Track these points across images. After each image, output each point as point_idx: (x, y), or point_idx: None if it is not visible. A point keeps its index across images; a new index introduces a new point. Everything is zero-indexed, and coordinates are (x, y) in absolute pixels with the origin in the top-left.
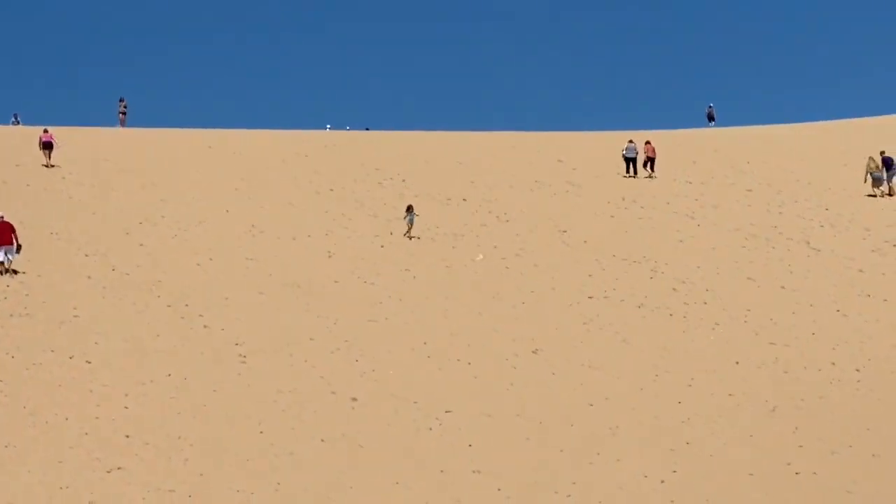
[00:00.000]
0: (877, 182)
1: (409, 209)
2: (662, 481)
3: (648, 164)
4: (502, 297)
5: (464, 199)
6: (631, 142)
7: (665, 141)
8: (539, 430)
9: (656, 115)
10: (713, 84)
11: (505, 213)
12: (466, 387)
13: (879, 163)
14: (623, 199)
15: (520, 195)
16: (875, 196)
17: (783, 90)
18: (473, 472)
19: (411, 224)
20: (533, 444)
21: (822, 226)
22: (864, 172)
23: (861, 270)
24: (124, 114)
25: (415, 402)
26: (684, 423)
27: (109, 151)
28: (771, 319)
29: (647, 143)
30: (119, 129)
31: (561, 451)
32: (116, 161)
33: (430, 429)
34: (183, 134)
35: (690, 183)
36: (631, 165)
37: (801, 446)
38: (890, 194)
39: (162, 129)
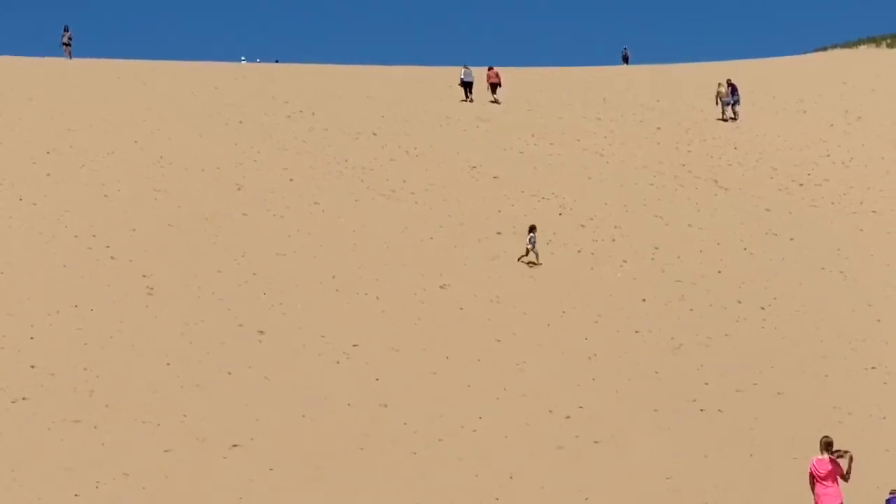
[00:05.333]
0: (725, 106)
1: (532, 230)
2: (568, 417)
3: (492, 89)
4: (410, 232)
5: (373, 134)
6: (466, 67)
7: (576, 78)
8: (446, 365)
9: (570, 53)
10: (627, 24)
11: (415, 148)
12: (374, 321)
13: (726, 89)
14: (532, 136)
15: (429, 130)
16: (725, 120)
17: (694, 30)
18: (380, 406)
19: (533, 244)
20: (440, 379)
21: (729, 164)
22: (715, 98)
23: (768, 209)
24: (68, 44)
25: (322, 336)
26: (590, 359)
27: (16, 80)
28: (678, 257)
29: (490, 68)
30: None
31: (468, 386)
32: (23, 90)
33: (338, 363)
34: (92, 64)
35: (600, 120)
36: (467, 90)
37: (706, 383)
38: (734, 118)
39: (77, 59)
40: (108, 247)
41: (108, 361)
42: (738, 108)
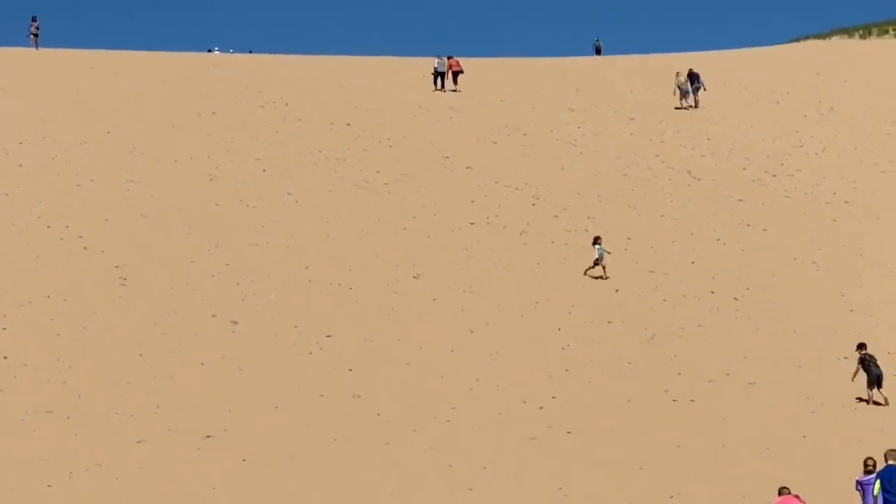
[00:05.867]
0: (683, 94)
1: (597, 241)
2: (541, 407)
3: (453, 78)
4: (384, 223)
5: (347, 124)
6: (440, 57)
7: (549, 69)
8: (419, 355)
9: (543, 44)
10: (600, 15)
11: (388, 139)
12: (347, 311)
13: (685, 78)
14: (506, 126)
15: (403, 120)
16: (683, 108)
17: (667, 21)
18: (353, 396)
19: (601, 257)
20: (413, 369)
21: (703, 155)
22: (673, 86)
23: (741, 200)
24: (36, 35)
25: (295, 327)
26: (564, 349)
27: None
28: (651, 247)
29: (450, 57)
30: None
31: (441, 376)
32: None
33: (311, 353)
34: (64, 54)
35: (573, 111)
36: (439, 79)
37: (678, 374)
38: (694, 106)
39: (45, 50)
40: (80, 237)
41: (81, 352)
42: (698, 95)
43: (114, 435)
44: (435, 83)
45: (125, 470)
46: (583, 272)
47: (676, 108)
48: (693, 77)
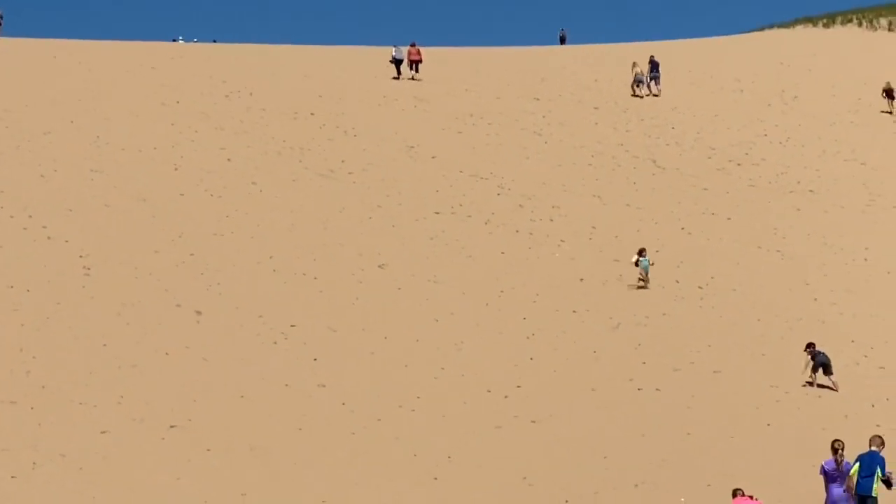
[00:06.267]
0: (639, 83)
1: (642, 253)
2: (506, 396)
3: (413, 66)
4: (349, 212)
5: (311, 114)
6: (396, 46)
7: (514, 58)
8: (384, 345)
9: (507, 33)
10: (565, 4)
11: (353, 128)
12: (311, 301)
13: (644, 67)
14: (471, 116)
15: (367, 110)
16: (639, 97)
17: (632, 10)
18: (318, 386)
19: (646, 270)
20: (378, 359)
21: (667, 144)
22: (631, 75)
23: (706, 189)
24: None
25: (260, 316)
26: (528, 338)
27: None
28: (616, 237)
29: (413, 45)
30: None
31: (406, 365)
32: None
33: (275, 343)
34: (27, 43)
35: (538, 100)
36: (398, 67)
37: (643, 363)
38: (656, 94)
39: (7, 39)
40: (44, 227)
41: (45, 342)
42: (657, 85)
43: (77, 425)
44: (398, 71)
45: (89, 460)
46: (631, 286)
47: (632, 97)
48: (654, 65)
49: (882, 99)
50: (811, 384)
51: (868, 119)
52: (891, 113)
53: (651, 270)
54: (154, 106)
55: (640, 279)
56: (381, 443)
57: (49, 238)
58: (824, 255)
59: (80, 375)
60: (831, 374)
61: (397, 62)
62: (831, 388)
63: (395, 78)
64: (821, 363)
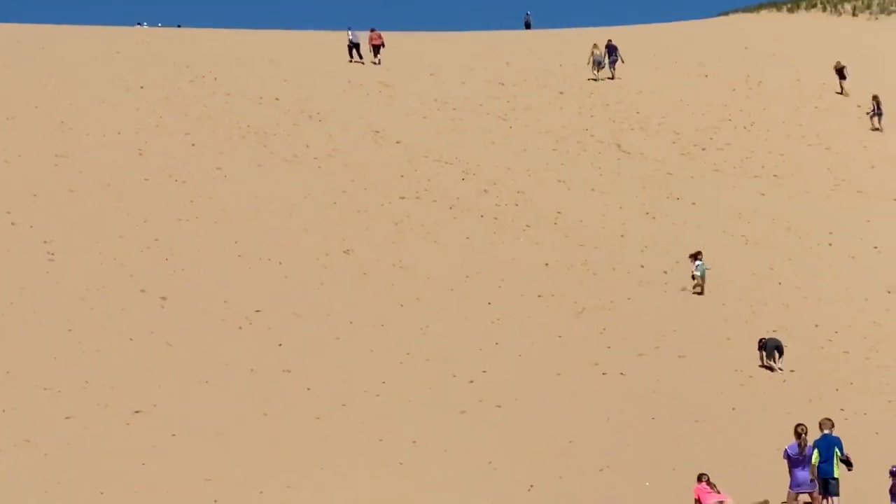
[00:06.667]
0: (598, 66)
1: (697, 256)
2: (471, 381)
3: (375, 51)
4: (314, 197)
5: (276, 99)
6: (352, 30)
7: (479, 43)
8: (349, 330)
9: (472, 18)
10: None
11: (318, 113)
12: (277, 286)
13: (601, 50)
14: (435, 101)
15: (333, 95)
16: (596, 80)
17: None
18: (283, 371)
19: (702, 273)
20: (343, 344)
21: (632, 129)
22: (589, 57)
23: (670, 173)
24: None
25: (224, 302)
26: (494, 323)
27: None
28: (580, 221)
29: (373, 30)
30: None
31: (371, 351)
32: None
33: (240, 328)
34: None
35: (503, 85)
36: (355, 51)
37: (608, 347)
38: (611, 78)
39: None
40: (8, 213)
41: (9, 327)
42: (615, 68)
43: (42, 411)
44: (350, 54)
45: (53, 445)
46: (686, 289)
47: (590, 80)
48: (611, 49)
49: (835, 78)
50: (771, 369)
51: (832, 104)
52: (841, 92)
53: (619, 255)
54: (118, 91)
55: (696, 285)
56: (347, 427)
57: (13, 224)
58: (788, 240)
59: (44, 360)
60: (779, 357)
61: (354, 46)
62: (773, 369)
63: (351, 61)
64: (773, 347)
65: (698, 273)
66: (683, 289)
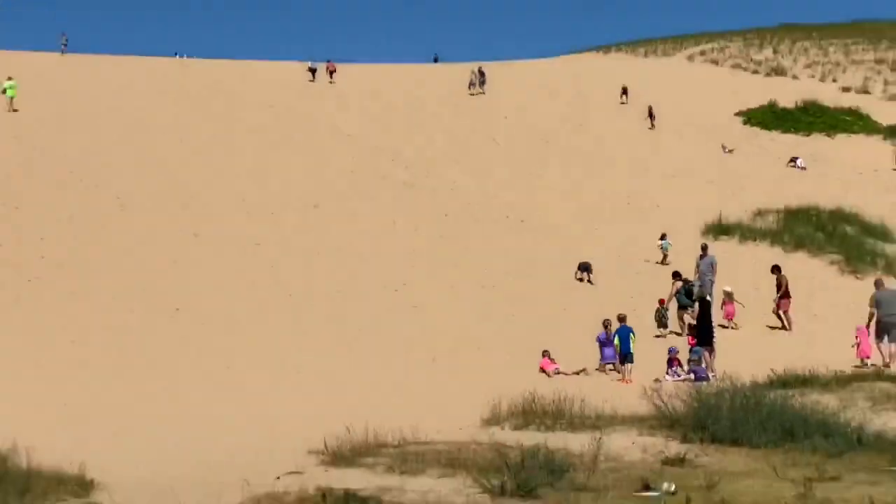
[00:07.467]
0: (472, 85)
1: (663, 237)
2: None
3: (330, 75)
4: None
5: (270, 106)
6: (311, 60)
7: (399, 72)
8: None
9: (397, 54)
10: (440, 31)
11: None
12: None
13: (475, 74)
14: (376, 102)
15: (301, 102)
16: (472, 94)
17: (485, 34)
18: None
19: (666, 251)
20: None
21: (499, 125)
22: (468, 79)
23: (527, 154)
24: None
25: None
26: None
27: None
28: (454, 182)
29: (329, 62)
30: None
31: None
32: None
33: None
34: None
35: (418, 98)
36: (313, 74)
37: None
38: (482, 93)
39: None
40: None
41: None
42: (483, 87)
43: None
44: (312, 76)
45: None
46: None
47: (470, 94)
48: (482, 73)
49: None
50: (582, 280)
51: (623, 109)
52: (625, 103)
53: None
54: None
55: (664, 257)
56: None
57: None
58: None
59: None
60: (590, 274)
61: (312, 70)
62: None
63: (310, 81)
64: (584, 267)
65: (663, 248)
66: (647, 260)
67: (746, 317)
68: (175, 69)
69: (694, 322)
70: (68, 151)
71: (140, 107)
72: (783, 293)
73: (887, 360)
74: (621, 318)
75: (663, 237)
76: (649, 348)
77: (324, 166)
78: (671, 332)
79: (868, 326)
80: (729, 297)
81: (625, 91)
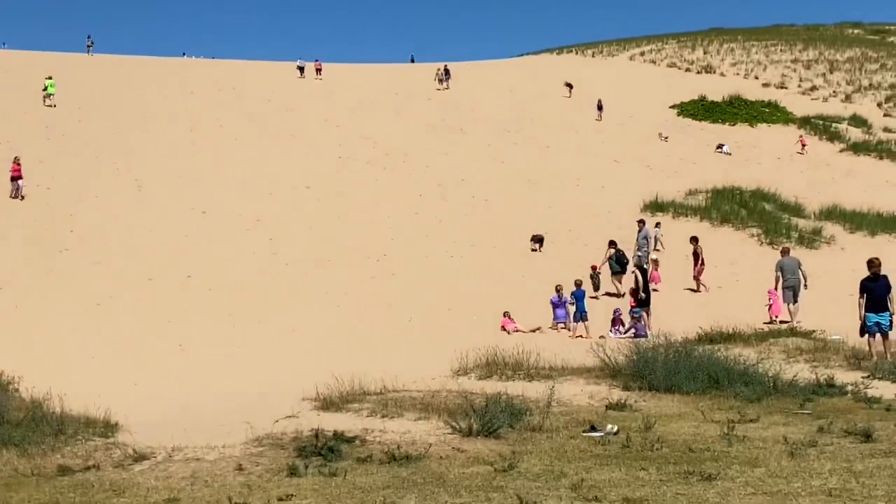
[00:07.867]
0: (440, 81)
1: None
2: (379, 259)
3: (318, 73)
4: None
5: (268, 100)
6: (301, 60)
7: (380, 71)
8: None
9: (380, 53)
10: (416, 35)
11: (291, 109)
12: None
13: (441, 72)
14: (359, 101)
15: (298, 97)
16: (440, 90)
17: (452, 36)
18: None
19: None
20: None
21: (466, 118)
22: (435, 76)
23: (489, 144)
24: None
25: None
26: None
27: None
28: (426, 166)
29: (317, 61)
30: None
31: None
32: None
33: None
34: None
35: (397, 94)
36: (300, 71)
37: (454, 241)
38: (447, 88)
39: None
40: None
41: None
42: (449, 83)
43: None
44: (301, 73)
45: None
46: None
47: (437, 90)
48: (447, 71)
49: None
50: (535, 250)
51: (569, 102)
52: (569, 97)
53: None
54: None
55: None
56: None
57: None
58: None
59: None
60: (541, 245)
61: (300, 69)
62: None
63: (299, 77)
64: (538, 239)
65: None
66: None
67: (679, 281)
68: (183, 67)
69: (633, 286)
70: (93, 139)
71: (155, 100)
72: (700, 261)
73: (795, 318)
74: (578, 283)
75: (657, 225)
76: (587, 309)
77: (314, 152)
78: (605, 294)
79: (776, 289)
80: (655, 265)
81: (569, 86)
